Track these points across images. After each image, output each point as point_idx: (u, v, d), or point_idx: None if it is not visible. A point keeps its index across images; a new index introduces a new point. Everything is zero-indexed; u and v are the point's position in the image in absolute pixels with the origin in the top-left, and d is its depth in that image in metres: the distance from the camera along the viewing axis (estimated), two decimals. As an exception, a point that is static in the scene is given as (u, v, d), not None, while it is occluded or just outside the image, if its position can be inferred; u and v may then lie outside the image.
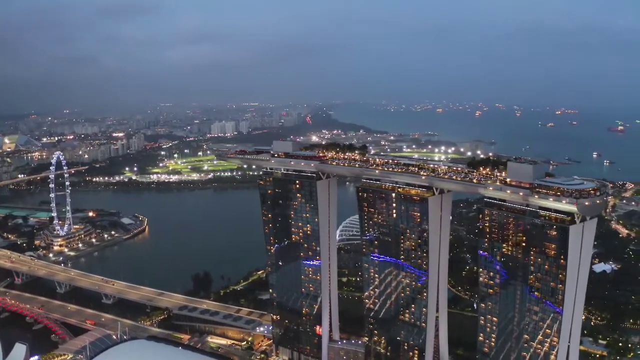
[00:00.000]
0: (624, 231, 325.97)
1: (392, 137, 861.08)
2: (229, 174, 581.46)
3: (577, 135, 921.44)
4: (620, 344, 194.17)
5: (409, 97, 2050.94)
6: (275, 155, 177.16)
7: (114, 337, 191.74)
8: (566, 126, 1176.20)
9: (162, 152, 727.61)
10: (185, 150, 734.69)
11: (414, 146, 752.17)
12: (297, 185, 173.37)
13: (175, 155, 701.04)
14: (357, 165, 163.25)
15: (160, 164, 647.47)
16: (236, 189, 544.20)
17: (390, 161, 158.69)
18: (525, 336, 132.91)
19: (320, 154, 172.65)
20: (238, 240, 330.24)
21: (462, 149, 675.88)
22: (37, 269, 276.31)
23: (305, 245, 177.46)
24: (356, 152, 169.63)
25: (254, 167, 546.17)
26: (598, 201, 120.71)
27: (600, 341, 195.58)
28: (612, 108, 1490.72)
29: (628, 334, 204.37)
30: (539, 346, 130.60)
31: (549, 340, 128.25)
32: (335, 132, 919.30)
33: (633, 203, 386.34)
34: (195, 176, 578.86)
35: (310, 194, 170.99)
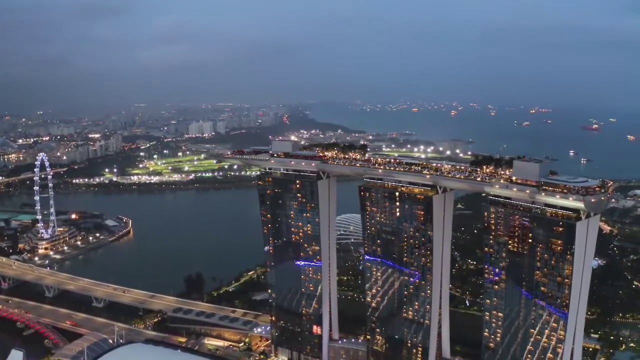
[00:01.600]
0: (606, 228, 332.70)
1: (370, 137, 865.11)
2: (210, 174, 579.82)
3: (552, 133, 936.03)
4: (611, 337, 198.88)
5: (384, 96, 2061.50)
6: (275, 155, 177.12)
7: (110, 341, 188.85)
8: (541, 125, 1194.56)
9: (142, 153, 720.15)
10: (165, 151, 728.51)
11: (393, 145, 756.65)
12: (298, 185, 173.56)
13: (155, 156, 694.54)
14: (358, 165, 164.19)
15: (140, 165, 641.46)
16: (218, 190, 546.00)
17: (392, 160, 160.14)
18: (531, 330, 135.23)
19: (320, 154, 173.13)
20: (225, 241, 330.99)
21: (441, 148, 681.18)
22: (25, 273, 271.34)
23: (306, 245, 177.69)
24: (356, 151, 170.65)
25: (235, 167, 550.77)
26: (603, 198, 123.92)
27: (592, 335, 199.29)
28: (585, 106, 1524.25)
29: (618, 327, 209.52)
30: (545, 340, 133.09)
31: (555, 334, 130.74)
32: (313, 131, 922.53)
33: (613, 200, 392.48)
34: (176, 177, 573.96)
35: (311, 193, 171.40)
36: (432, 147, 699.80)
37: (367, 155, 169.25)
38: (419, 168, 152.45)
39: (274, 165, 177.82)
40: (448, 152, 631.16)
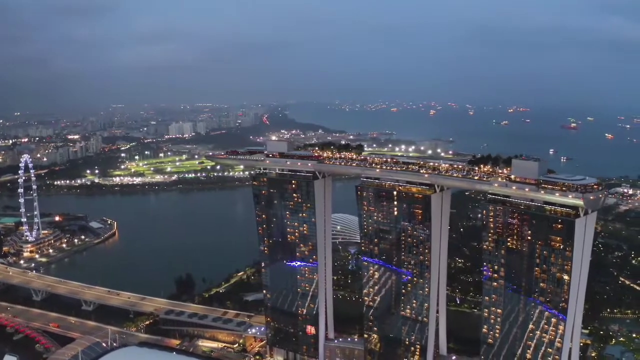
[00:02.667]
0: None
1: (351, 137, 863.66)
2: (193, 175, 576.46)
3: (531, 132, 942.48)
4: (601, 332, 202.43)
5: (363, 96, 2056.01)
6: (270, 155, 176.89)
7: (103, 344, 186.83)
8: (520, 124, 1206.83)
9: (122, 154, 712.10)
10: (146, 152, 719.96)
11: (374, 145, 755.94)
12: (293, 185, 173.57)
13: (136, 157, 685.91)
14: (355, 164, 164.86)
15: (122, 166, 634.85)
16: (201, 190, 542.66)
17: (389, 160, 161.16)
18: (530, 326, 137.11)
19: (316, 154, 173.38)
20: (212, 242, 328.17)
21: (422, 148, 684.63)
22: (11, 276, 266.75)
23: (301, 245, 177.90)
24: (352, 151, 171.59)
25: (218, 167, 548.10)
26: (601, 195, 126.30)
27: (583, 330, 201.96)
28: (563, 105, 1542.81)
29: (607, 322, 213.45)
30: (544, 335, 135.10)
31: (553, 330, 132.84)
32: (294, 132, 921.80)
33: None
34: (159, 178, 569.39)
35: (307, 193, 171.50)
36: (413, 147, 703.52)
37: (363, 154, 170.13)
38: (417, 167, 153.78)
39: (270, 165, 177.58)
40: (429, 152, 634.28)
